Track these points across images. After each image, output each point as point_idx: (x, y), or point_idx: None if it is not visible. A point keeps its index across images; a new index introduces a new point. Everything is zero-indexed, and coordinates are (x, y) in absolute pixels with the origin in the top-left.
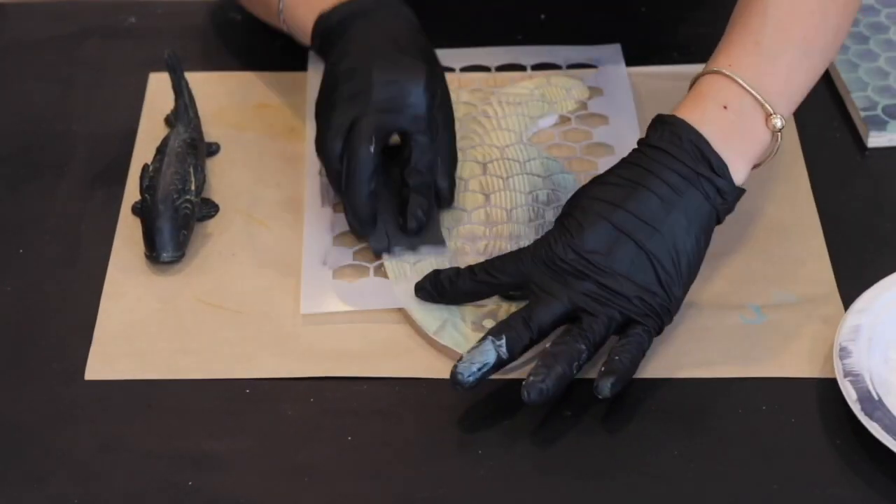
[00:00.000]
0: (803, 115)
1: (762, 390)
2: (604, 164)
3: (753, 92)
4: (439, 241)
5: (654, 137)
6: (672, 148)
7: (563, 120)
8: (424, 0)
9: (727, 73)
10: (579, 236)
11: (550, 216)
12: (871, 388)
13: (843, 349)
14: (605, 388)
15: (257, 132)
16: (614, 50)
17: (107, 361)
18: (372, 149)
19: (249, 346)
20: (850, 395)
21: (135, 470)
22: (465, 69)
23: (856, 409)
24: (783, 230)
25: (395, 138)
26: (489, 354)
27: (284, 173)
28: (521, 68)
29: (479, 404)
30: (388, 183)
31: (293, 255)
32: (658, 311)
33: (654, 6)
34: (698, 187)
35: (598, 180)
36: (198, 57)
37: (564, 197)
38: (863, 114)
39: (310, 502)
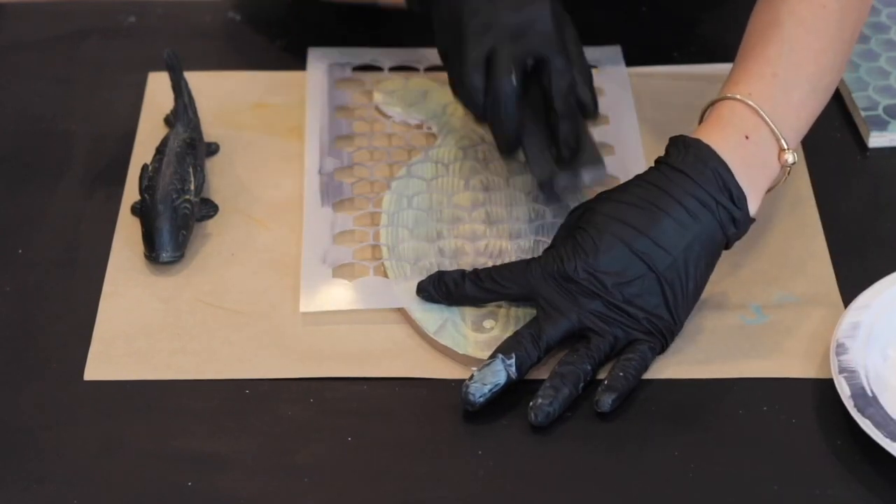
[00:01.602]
0: None
1: (762, 390)
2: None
3: (772, 125)
4: (598, 162)
5: (677, 160)
6: (695, 173)
7: None
8: (425, 1)
9: (750, 102)
10: (594, 257)
11: (550, 216)
12: (866, 384)
13: (840, 346)
14: (606, 403)
15: (257, 132)
16: (614, 51)
17: (106, 362)
18: (514, 79)
19: (249, 346)
20: (843, 391)
21: (135, 470)
22: None
23: (849, 405)
24: (783, 230)
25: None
26: (500, 375)
27: (284, 173)
28: None
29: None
30: (533, 110)
31: (293, 254)
32: (663, 332)
33: (654, 6)
34: (715, 215)
35: (614, 198)
36: (197, 57)
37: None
38: (864, 114)
39: (310, 502)
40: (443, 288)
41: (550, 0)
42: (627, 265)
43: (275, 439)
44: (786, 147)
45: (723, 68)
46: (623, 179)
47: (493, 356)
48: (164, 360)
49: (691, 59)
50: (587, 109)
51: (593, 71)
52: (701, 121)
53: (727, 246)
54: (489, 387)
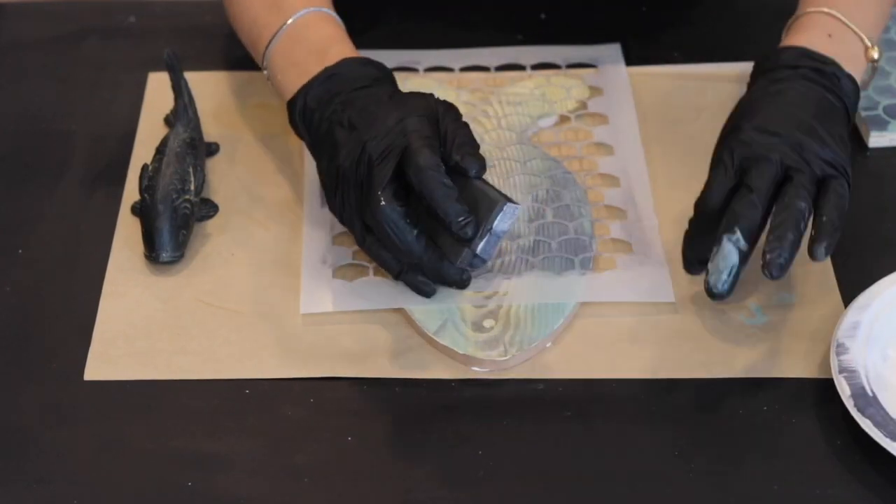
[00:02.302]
0: None
1: (762, 390)
2: (604, 163)
3: (853, 26)
4: (501, 203)
5: (769, 64)
6: (791, 61)
7: (563, 120)
8: (426, 0)
9: (826, 11)
10: (755, 119)
11: (550, 215)
12: (865, 384)
13: (840, 345)
14: (821, 254)
15: (257, 132)
16: (614, 50)
17: (106, 361)
18: (382, 198)
19: (249, 346)
20: (843, 390)
21: (135, 470)
22: (464, 69)
23: (849, 404)
24: None
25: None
26: (732, 255)
27: (284, 173)
28: (521, 68)
29: (478, 404)
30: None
31: (293, 255)
32: (843, 163)
33: (654, 6)
34: (819, 83)
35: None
36: (197, 57)
37: (564, 196)
38: (864, 113)
39: (310, 502)
40: None
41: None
42: (784, 118)
43: (275, 439)
44: (870, 45)
45: (722, 68)
46: (622, 179)
47: (718, 241)
48: (164, 360)
49: (691, 59)
50: (469, 167)
51: (593, 71)
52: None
53: (850, 111)
54: (726, 272)
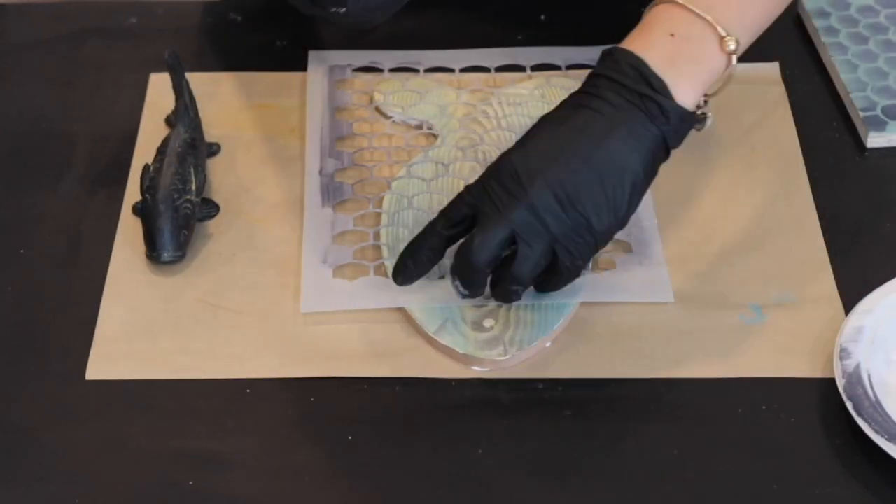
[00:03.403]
0: (803, 115)
1: (762, 390)
2: None
3: (705, 15)
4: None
5: (597, 69)
6: (612, 73)
7: None
8: (425, 1)
9: (680, 1)
10: (525, 154)
11: None
12: (868, 388)
13: (843, 350)
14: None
15: (257, 132)
16: None
17: (107, 361)
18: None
19: (249, 346)
20: (846, 394)
21: (135, 470)
22: (464, 70)
23: (850, 406)
24: (783, 230)
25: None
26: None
27: (284, 173)
28: (521, 69)
29: (478, 404)
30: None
31: (293, 255)
32: (593, 226)
33: None
34: (641, 108)
35: (547, 115)
36: (198, 57)
37: None
38: (862, 114)
39: (310, 502)
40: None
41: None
42: (558, 154)
43: (275, 439)
44: (725, 34)
45: None
46: None
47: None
48: (165, 360)
49: None
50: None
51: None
52: None
53: (668, 147)
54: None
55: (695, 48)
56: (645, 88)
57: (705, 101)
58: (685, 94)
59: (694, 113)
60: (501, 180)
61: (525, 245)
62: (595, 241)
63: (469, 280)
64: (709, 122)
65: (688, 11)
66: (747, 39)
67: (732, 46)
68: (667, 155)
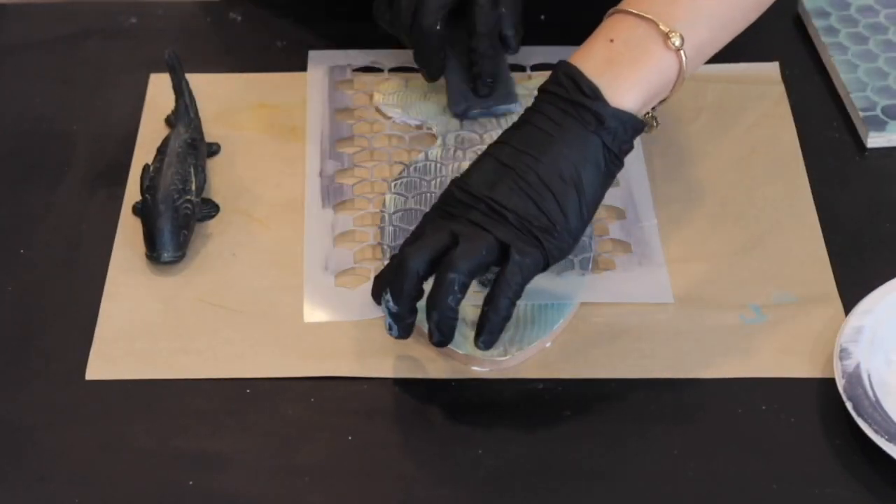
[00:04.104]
0: (803, 115)
1: (762, 390)
2: None
3: (647, 15)
4: (511, 99)
5: (542, 84)
6: (551, 86)
7: None
8: None
9: (622, 8)
10: (468, 176)
11: None
12: (868, 388)
13: (843, 350)
14: (480, 347)
15: (257, 132)
16: None
17: (107, 361)
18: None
19: (250, 346)
20: (845, 394)
21: (135, 470)
22: None
23: (849, 406)
24: (783, 230)
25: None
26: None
27: (284, 173)
28: (521, 69)
29: (478, 404)
30: (458, 44)
31: (293, 254)
32: (537, 236)
33: None
34: (577, 117)
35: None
36: (198, 57)
37: None
38: (862, 114)
39: (310, 502)
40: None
41: None
42: (498, 176)
43: (275, 439)
44: (667, 31)
45: (722, 68)
46: (621, 180)
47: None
48: (165, 360)
49: None
50: (507, 44)
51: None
52: None
53: (614, 153)
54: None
55: (635, 49)
56: (579, 96)
57: (661, 102)
58: (623, 97)
59: (635, 115)
60: (443, 208)
61: (466, 240)
62: (544, 258)
63: (399, 287)
64: (656, 124)
65: (632, 16)
66: (706, 35)
67: (677, 42)
68: (617, 159)
